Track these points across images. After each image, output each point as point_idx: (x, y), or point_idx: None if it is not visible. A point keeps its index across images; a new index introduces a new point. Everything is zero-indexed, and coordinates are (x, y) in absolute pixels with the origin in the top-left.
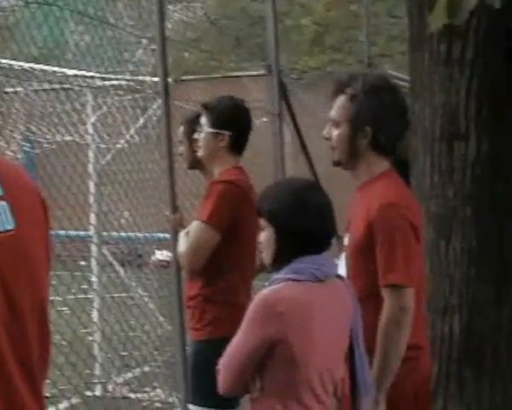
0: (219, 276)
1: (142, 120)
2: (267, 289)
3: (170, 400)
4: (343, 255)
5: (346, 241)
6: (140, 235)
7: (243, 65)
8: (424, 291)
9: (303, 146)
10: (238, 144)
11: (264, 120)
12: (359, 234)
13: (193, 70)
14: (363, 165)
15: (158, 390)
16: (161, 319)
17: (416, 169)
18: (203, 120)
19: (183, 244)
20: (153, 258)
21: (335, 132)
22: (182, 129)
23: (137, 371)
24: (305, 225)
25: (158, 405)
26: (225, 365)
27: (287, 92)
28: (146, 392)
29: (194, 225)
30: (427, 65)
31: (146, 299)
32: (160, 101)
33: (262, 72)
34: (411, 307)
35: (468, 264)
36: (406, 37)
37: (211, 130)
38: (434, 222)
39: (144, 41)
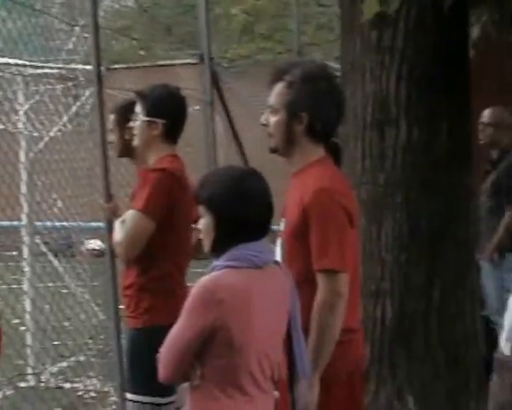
0: (154, 264)
1: (74, 109)
2: (207, 277)
3: (105, 389)
4: (279, 241)
5: (281, 226)
6: (73, 224)
7: (174, 53)
8: (358, 276)
9: (235, 134)
10: (173, 132)
11: (197, 108)
12: (294, 219)
13: (123, 58)
14: (299, 152)
15: (93, 379)
16: (96, 308)
17: (347, 155)
18: (138, 108)
19: (118, 233)
20: (83, 247)
21: (273, 119)
22: (112, 117)
23: (72, 360)
24: (243, 211)
25: (93, 394)
26: (165, 352)
27: (218, 81)
28: (81, 381)
29: (130, 214)
30: (358, 52)
31: (80, 289)
32: (92, 89)
33: (194, 60)
34: (345, 292)
35: (399, 249)
36: (334, 26)
37: (145, 118)
38: (365, 208)
39: (77, 29)
